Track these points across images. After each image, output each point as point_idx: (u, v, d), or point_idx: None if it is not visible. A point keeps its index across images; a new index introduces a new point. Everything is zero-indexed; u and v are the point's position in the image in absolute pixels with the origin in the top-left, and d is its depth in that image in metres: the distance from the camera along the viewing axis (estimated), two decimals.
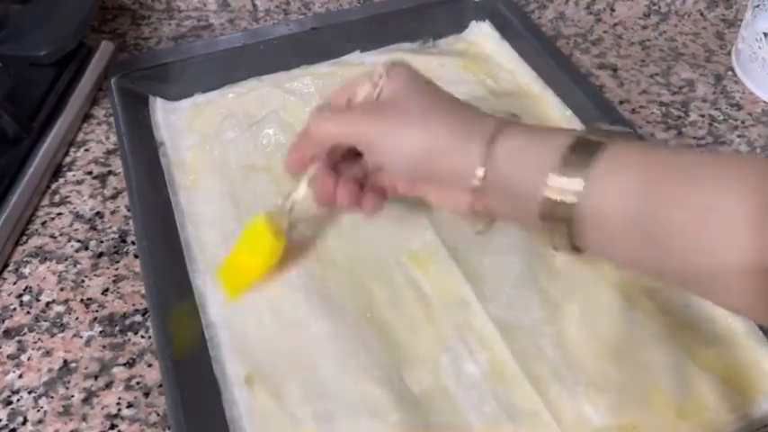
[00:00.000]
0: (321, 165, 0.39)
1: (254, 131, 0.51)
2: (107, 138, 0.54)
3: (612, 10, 0.68)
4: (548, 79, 0.55)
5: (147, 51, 0.63)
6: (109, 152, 0.53)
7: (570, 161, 0.29)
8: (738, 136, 0.55)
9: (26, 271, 0.45)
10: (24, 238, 0.47)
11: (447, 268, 0.42)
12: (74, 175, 0.51)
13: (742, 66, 0.60)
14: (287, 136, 0.50)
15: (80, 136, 0.54)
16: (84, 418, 0.37)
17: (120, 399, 0.38)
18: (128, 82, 0.53)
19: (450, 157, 0.33)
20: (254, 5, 0.68)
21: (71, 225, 0.47)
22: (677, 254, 0.27)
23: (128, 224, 0.47)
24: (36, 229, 0.47)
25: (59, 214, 0.48)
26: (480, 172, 0.32)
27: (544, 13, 0.67)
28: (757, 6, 0.57)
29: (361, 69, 0.55)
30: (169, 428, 0.36)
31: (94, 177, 0.51)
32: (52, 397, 0.38)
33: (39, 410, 0.38)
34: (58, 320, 0.42)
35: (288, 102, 0.53)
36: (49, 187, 0.50)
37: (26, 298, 0.43)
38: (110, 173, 0.51)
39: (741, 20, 0.61)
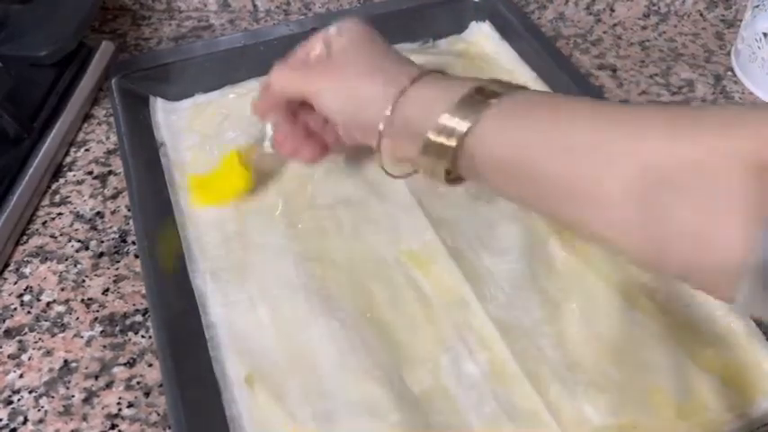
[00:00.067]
0: (279, 114, 0.43)
1: (254, 132, 0.51)
2: (107, 138, 0.54)
3: (612, 10, 0.68)
4: (547, 80, 0.55)
5: (148, 52, 0.63)
6: (109, 152, 0.53)
7: (465, 104, 0.31)
8: None
9: (27, 271, 0.45)
10: (25, 237, 0.47)
11: (447, 268, 0.42)
12: (74, 175, 0.51)
13: (741, 66, 0.60)
14: None
15: (80, 136, 0.54)
16: (84, 418, 0.37)
17: (120, 398, 0.38)
18: (128, 82, 0.53)
19: (370, 106, 0.36)
20: (255, 6, 0.68)
21: (71, 225, 0.47)
22: (554, 195, 0.29)
23: (128, 224, 0.47)
24: (36, 229, 0.47)
25: (60, 214, 0.48)
26: (387, 112, 0.35)
27: (544, 13, 0.68)
28: (757, 7, 0.57)
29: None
30: (169, 428, 0.36)
31: (95, 177, 0.51)
32: (53, 397, 0.38)
33: (39, 410, 0.38)
34: (59, 320, 0.42)
35: None
36: (49, 187, 0.50)
37: (27, 298, 0.43)
38: (110, 173, 0.51)
39: (740, 20, 0.62)
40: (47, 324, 0.42)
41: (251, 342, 0.39)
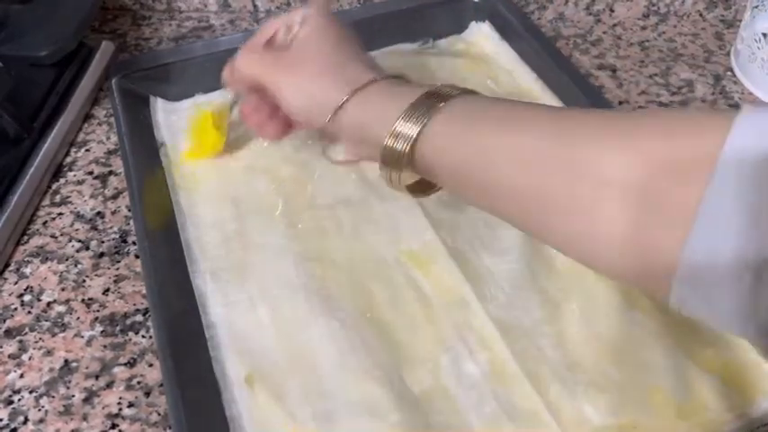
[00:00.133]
0: (245, 89, 0.43)
1: (253, 132, 0.51)
2: (108, 138, 0.54)
3: (612, 11, 0.68)
4: (547, 80, 0.55)
5: (148, 52, 0.63)
6: (110, 152, 0.53)
7: (416, 109, 0.31)
8: None
9: (27, 271, 0.45)
10: (25, 237, 0.47)
11: (447, 268, 0.42)
12: (74, 176, 0.51)
13: (741, 66, 0.60)
14: None
15: (81, 136, 0.54)
16: (84, 418, 0.37)
17: (120, 398, 0.38)
18: (128, 82, 0.53)
19: (323, 106, 0.36)
20: (255, 6, 0.68)
21: (72, 225, 0.47)
22: (506, 202, 0.29)
23: (128, 224, 0.47)
24: (37, 229, 0.47)
25: (60, 214, 0.48)
26: (330, 113, 0.35)
27: (544, 13, 0.68)
28: (756, 7, 0.57)
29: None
30: (170, 428, 0.37)
31: (95, 177, 0.51)
32: (53, 396, 0.38)
33: (40, 410, 0.38)
34: (59, 320, 0.42)
35: None
36: (49, 187, 0.50)
37: (27, 298, 0.43)
38: (110, 173, 0.51)
39: (740, 20, 0.62)
40: (47, 324, 0.42)
41: (251, 342, 0.39)
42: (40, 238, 0.47)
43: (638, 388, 0.37)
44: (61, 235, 0.47)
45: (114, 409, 0.38)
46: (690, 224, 0.22)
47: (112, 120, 0.54)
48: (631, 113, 0.34)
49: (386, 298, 0.41)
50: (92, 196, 0.49)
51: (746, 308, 0.22)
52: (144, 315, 0.42)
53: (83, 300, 0.43)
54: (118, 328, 0.41)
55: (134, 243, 0.46)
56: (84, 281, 0.44)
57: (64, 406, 0.38)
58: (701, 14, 0.68)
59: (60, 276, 0.44)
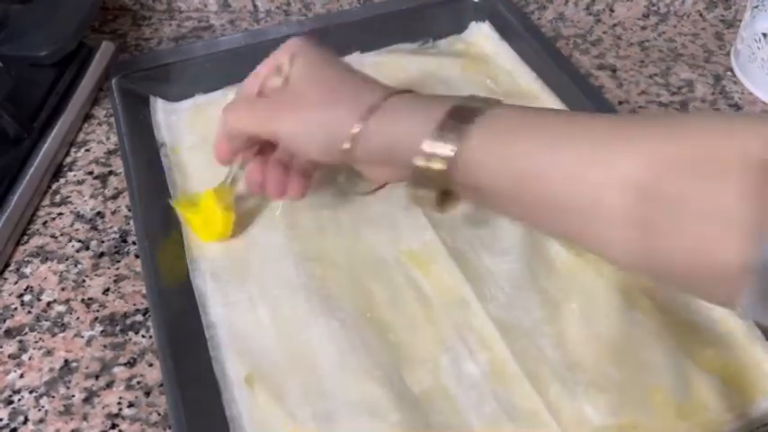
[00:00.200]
0: (245, 155, 0.41)
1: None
2: (108, 138, 0.54)
3: (612, 11, 0.68)
4: (547, 80, 0.55)
5: (148, 52, 0.63)
6: (110, 152, 0.53)
7: (446, 127, 0.30)
8: None
9: (27, 271, 0.45)
10: (25, 237, 0.47)
11: (447, 268, 0.42)
12: (74, 176, 0.51)
13: (741, 66, 0.60)
14: None
15: (81, 136, 0.54)
16: (84, 418, 0.37)
17: (120, 398, 0.38)
18: (128, 82, 0.53)
19: (339, 130, 0.34)
20: (255, 6, 0.68)
21: (72, 225, 0.47)
22: (549, 213, 0.28)
23: (128, 224, 0.47)
24: (37, 229, 0.47)
25: (60, 214, 0.48)
26: (355, 130, 0.33)
27: (544, 13, 0.68)
28: (756, 7, 0.57)
29: (361, 70, 0.56)
30: (170, 428, 0.37)
31: (95, 177, 0.51)
32: (53, 396, 0.38)
33: (40, 410, 0.38)
34: (59, 320, 0.42)
35: None
36: (49, 187, 0.50)
37: (27, 298, 0.43)
38: (110, 173, 0.51)
39: (740, 20, 0.62)
40: (47, 324, 0.42)
41: (251, 342, 0.39)
42: (40, 238, 0.47)
43: (638, 388, 0.37)
44: (61, 235, 0.47)
45: (114, 409, 0.38)
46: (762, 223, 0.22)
47: (112, 120, 0.54)
48: (673, 116, 0.33)
49: (386, 298, 0.41)
50: (92, 196, 0.49)
51: None
52: (144, 315, 0.42)
53: (83, 300, 0.43)
54: (118, 327, 0.41)
55: (134, 243, 0.46)
56: (84, 281, 0.44)
57: (64, 406, 0.38)
58: (700, 14, 0.68)
59: (60, 276, 0.44)
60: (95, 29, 0.65)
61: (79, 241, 0.46)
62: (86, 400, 0.38)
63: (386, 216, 0.46)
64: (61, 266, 0.45)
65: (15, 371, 0.39)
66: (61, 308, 0.42)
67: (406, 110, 0.33)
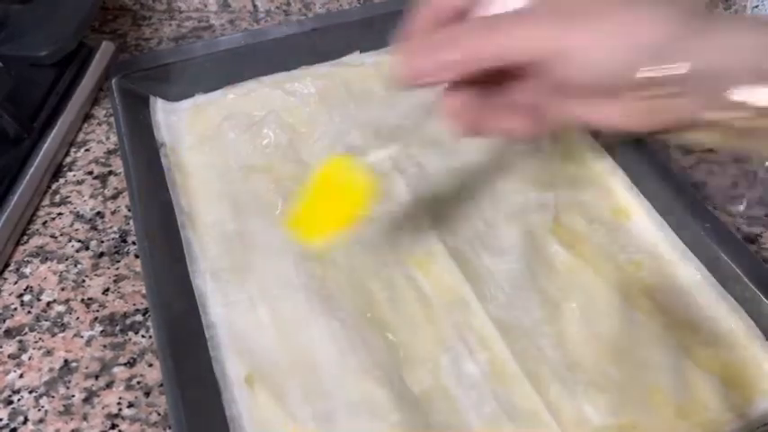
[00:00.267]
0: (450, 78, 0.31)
1: (254, 132, 0.51)
2: (107, 138, 0.54)
3: None
4: None
5: (148, 52, 0.63)
6: (109, 152, 0.53)
7: None
8: None
9: (27, 271, 0.45)
10: (25, 237, 0.47)
11: (447, 268, 0.42)
12: (74, 176, 0.51)
13: None
14: (287, 137, 0.50)
15: (81, 136, 0.54)
16: (84, 418, 0.37)
17: (120, 398, 0.38)
18: (128, 82, 0.53)
19: (639, 49, 0.25)
20: (255, 6, 0.68)
21: (72, 225, 0.47)
22: None
23: (128, 224, 0.47)
24: (37, 229, 0.47)
25: (60, 214, 0.48)
26: (655, 61, 0.25)
27: None
28: (756, 7, 0.57)
29: (361, 70, 0.56)
30: (170, 428, 0.37)
31: (95, 177, 0.51)
32: (53, 396, 0.38)
33: (39, 410, 0.38)
34: (59, 320, 0.42)
35: (288, 103, 0.53)
36: (49, 187, 0.50)
37: (27, 298, 0.43)
38: (110, 173, 0.51)
39: None
40: (47, 324, 0.42)
41: (251, 342, 0.39)
42: (40, 238, 0.47)
43: (638, 388, 0.37)
44: (61, 235, 0.47)
45: (114, 409, 0.38)
46: None
47: (112, 120, 0.54)
48: None
49: (386, 298, 0.41)
50: (92, 196, 0.49)
51: None
52: (144, 315, 0.42)
53: (82, 300, 0.43)
54: (118, 327, 0.41)
55: (134, 243, 0.46)
56: (83, 281, 0.44)
57: (64, 406, 0.38)
58: None
59: (60, 276, 0.44)
60: (95, 29, 0.65)
61: (79, 241, 0.46)
62: (86, 401, 0.38)
63: (386, 216, 0.46)
64: (61, 266, 0.45)
65: (15, 371, 0.39)
66: (61, 308, 0.42)
67: (735, 27, 0.25)
